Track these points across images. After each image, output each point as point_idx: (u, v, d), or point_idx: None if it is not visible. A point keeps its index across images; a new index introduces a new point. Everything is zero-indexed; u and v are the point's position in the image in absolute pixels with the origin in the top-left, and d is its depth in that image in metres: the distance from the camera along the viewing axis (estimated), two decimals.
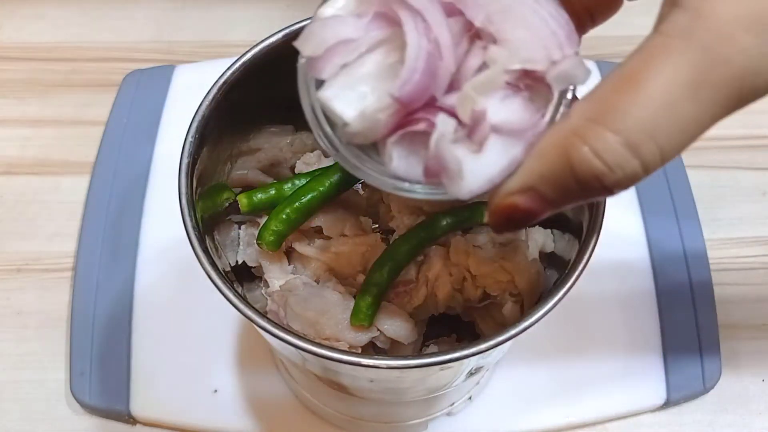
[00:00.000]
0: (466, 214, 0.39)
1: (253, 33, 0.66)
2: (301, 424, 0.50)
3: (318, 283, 0.40)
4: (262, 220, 0.41)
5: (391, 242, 0.39)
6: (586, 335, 0.54)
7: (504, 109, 0.25)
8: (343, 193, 0.39)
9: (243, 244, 0.43)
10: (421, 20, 0.25)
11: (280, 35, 0.38)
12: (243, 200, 0.41)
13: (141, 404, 0.51)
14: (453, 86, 0.26)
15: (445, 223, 0.38)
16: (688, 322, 0.54)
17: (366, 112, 0.26)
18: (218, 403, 0.51)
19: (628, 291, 0.55)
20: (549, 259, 0.41)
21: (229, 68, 0.37)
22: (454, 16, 0.26)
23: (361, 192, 0.43)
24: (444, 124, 0.25)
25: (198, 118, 0.36)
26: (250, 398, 0.51)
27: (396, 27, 0.26)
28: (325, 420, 0.50)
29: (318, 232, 0.41)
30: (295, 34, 0.38)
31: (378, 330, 0.38)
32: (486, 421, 0.51)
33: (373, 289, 0.37)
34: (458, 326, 0.43)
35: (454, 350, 0.31)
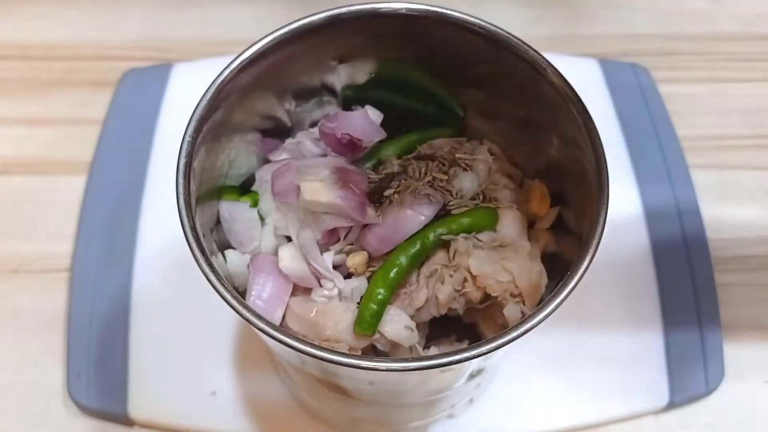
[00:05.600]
0: (470, 219, 0.39)
1: (251, 31, 0.65)
2: (300, 427, 0.50)
3: None
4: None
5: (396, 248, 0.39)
6: (588, 336, 0.53)
7: None
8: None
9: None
10: None
11: (278, 33, 0.38)
12: (248, 201, 0.41)
13: (138, 406, 0.50)
14: None
15: (449, 228, 0.38)
16: (691, 322, 0.54)
17: None
18: (216, 405, 0.50)
19: (631, 291, 0.55)
20: (551, 259, 0.41)
21: (227, 67, 0.37)
22: None
23: None
24: None
25: (196, 117, 0.36)
26: (248, 400, 0.50)
27: None
28: (324, 422, 0.50)
29: None
30: (294, 32, 0.38)
31: (379, 332, 0.37)
32: (487, 424, 0.50)
33: (377, 297, 0.37)
34: (460, 328, 0.42)
35: (455, 352, 0.31)
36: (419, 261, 0.38)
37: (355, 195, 0.37)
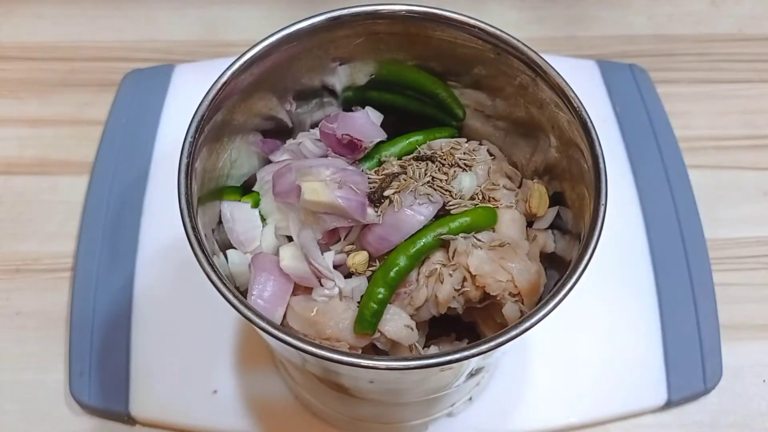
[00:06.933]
0: (470, 219, 0.39)
1: (252, 32, 0.66)
2: (300, 425, 0.50)
3: None
4: (269, 219, 0.41)
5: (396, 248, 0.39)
6: (587, 336, 0.54)
7: None
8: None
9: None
10: None
11: (279, 35, 0.38)
12: (249, 201, 0.41)
13: (140, 404, 0.51)
14: None
15: (449, 228, 0.38)
16: (689, 322, 0.54)
17: None
18: (218, 403, 0.50)
19: (629, 291, 0.55)
20: (550, 259, 0.41)
21: (228, 68, 0.37)
22: None
23: None
24: None
25: (197, 117, 0.36)
26: (249, 399, 0.51)
27: None
28: (325, 421, 0.50)
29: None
30: (295, 34, 0.39)
31: (379, 331, 0.38)
32: (486, 422, 0.50)
33: (377, 297, 0.37)
34: (459, 327, 0.43)
35: (454, 351, 0.31)
36: (419, 261, 0.38)
37: (356, 195, 0.37)
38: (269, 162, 0.44)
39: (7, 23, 0.72)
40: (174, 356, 0.52)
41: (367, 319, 0.37)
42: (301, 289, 0.39)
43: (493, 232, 0.40)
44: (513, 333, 0.32)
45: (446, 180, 0.40)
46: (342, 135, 0.40)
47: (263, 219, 0.41)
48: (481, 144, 0.44)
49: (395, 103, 0.45)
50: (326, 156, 0.41)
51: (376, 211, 0.38)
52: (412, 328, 0.38)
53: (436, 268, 0.38)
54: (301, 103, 0.44)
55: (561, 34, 0.72)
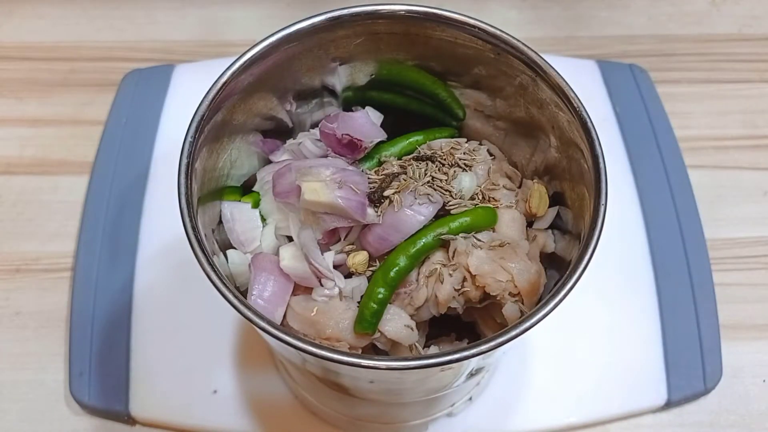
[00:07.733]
0: (470, 219, 0.39)
1: (252, 32, 0.66)
2: (300, 425, 0.50)
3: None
4: (269, 219, 0.41)
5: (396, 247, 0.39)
6: (587, 336, 0.54)
7: None
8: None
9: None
10: None
11: (279, 35, 0.38)
12: (249, 201, 0.41)
13: (140, 404, 0.51)
14: None
15: (449, 228, 0.38)
16: (689, 322, 0.54)
17: None
18: (218, 403, 0.51)
19: (629, 291, 0.55)
20: (550, 259, 0.41)
21: (228, 68, 0.37)
22: None
23: None
24: None
25: (197, 117, 0.36)
26: (249, 399, 0.51)
27: None
28: (324, 421, 0.50)
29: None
30: (295, 34, 0.39)
31: (379, 331, 0.38)
32: (486, 422, 0.50)
33: (377, 297, 0.37)
34: (459, 327, 0.43)
35: (454, 351, 0.31)
36: (419, 261, 0.38)
37: (356, 195, 0.37)
38: (269, 162, 0.44)
39: (7, 23, 0.72)
40: (174, 356, 0.52)
41: (367, 319, 0.37)
42: (301, 289, 0.39)
43: (493, 232, 0.40)
44: (513, 333, 0.32)
45: (446, 180, 0.40)
46: (342, 135, 0.40)
47: (263, 219, 0.41)
48: (481, 144, 0.44)
49: (395, 103, 0.45)
50: (326, 156, 0.41)
51: (376, 211, 0.38)
52: (412, 328, 0.38)
53: (436, 268, 0.38)
54: (301, 103, 0.44)
55: (561, 34, 0.72)
